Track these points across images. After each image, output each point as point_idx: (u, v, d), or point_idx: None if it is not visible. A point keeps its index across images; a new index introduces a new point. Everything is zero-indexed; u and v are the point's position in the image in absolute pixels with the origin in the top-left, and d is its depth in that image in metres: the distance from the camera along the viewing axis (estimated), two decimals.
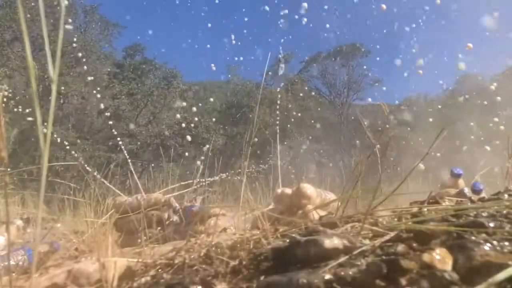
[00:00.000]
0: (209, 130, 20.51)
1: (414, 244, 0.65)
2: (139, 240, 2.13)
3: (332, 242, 0.64)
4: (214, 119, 21.77)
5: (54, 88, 0.57)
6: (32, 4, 17.05)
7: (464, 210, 0.79)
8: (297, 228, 1.02)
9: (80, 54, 17.43)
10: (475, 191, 2.71)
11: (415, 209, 0.93)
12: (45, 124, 0.60)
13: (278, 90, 22.13)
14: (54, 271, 1.11)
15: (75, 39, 17.90)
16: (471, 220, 0.69)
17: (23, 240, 2.50)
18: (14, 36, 18.50)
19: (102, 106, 16.87)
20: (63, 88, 16.78)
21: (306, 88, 26.00)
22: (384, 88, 26.97)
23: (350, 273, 0.57)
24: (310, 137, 23.36)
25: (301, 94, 24.17)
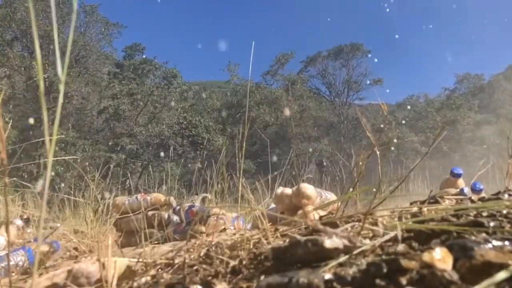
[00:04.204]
0: (209, 130, 20.50)
1: (414, 244, 0.65)
2: (139, 240, 2.13)
3: (332, 241, 0.64)
4: (214, 119, 21.77)
5: (62, 88, 0.56)
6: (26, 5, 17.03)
7: (464, 210, 0.79)
8: (297, 228, 1.02)
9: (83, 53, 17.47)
10: (475, 191, 2.71)
11: (415, 209, 0.93)
12: (47, 124, 0.60)
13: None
14: (54, 271, 1.11)
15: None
16: (471, 219, 0.69)
17: (23, 240, 2.51)
18: (14, 36, 18.49)
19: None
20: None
21: (306, 88, 26.00)
22: (386, 89, 27.00)
23: (350, 272, 0.57)
24: (310, 137, 23.37)
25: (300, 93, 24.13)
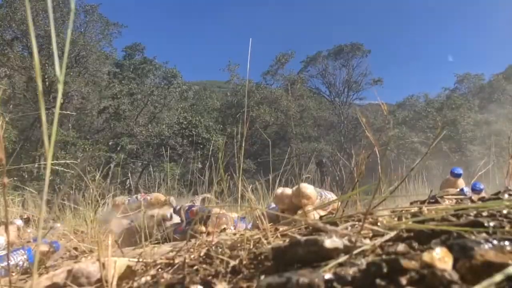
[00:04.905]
0: (209, 130, 20.50)
1: (414, 244, 0.65)
2: (139, 240, 2.12)
3: (332, 241, 0.64)
4: (214, 119, 21.77)
5: (60, 88, 0.56)
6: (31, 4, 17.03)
7: (464, 210, 0.79)
8: (297, 227, 1.02)
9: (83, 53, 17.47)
10: (475, 191, 2.71)
11: (415, 209, 0.93)
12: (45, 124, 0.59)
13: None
14: (54, 271, 1.11)
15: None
16: (471, 219, 0.69)
17: (23, 240, 2.50)
18: (14, 36, 18.48)
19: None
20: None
21: (306, 88, 26.01)
22: (386, 89, 27.04)
23: (350, 272, 0.57)
24: (310, 137, 23.36)
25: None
